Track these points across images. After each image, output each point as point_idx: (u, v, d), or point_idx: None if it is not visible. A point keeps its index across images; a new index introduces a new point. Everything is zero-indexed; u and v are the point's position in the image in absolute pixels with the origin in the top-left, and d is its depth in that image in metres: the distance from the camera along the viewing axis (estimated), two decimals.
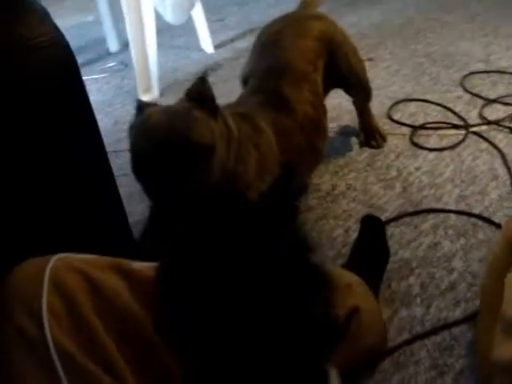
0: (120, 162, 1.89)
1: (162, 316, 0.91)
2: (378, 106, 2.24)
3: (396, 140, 2.06)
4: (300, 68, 1.72)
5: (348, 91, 1.97)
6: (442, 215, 1.66)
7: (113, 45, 3.31)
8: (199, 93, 1.31)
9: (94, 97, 2.94)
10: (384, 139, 2.06)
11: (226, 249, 0.99)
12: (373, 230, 1.48)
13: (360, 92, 1.98)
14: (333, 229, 1.67)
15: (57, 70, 1.01)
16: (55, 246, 0.98)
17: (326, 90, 1.84)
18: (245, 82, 1.80)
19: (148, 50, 2.62)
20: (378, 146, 2.03)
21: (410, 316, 1.35)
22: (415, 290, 1.42)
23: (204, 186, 1.25)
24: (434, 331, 1.30)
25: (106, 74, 3.02)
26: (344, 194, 1.82)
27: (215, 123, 1.31)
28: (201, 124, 1.27)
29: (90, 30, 3.63)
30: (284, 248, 1.00)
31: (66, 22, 3.61)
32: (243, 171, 1.42)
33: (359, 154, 2.01)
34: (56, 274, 0.87)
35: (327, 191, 1.85)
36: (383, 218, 1.67)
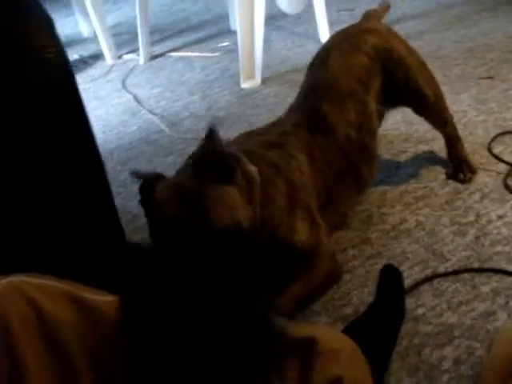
0: None
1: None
2: (480, 134, 2.03)
3: (488, 178, 1.84)
4: (346, 86, 1.60)
5: (417, 113, 1.80)
6: (509, 280, 1.46)
7: (234, 23, 3.25)
8: (208, 159, 1.22)
9: (197, 75, 2.91)
10: (473, 173, 1.84)
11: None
12: (390, 285, 1.32)
13: (431, 117, 1.80)
14: None
15: (56, 82, 0.97)
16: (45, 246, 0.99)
17: (386, 110, 1.71)
18: None
19: (255, 38, 2.53)
20: (465, 181, 1.82)
21: None
22: (447, 364, 1.25)
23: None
24: None
25: (217, 54, 2.97)
26: (410, 232, 1.65)
27: (233, 191, 1.22)
28: (218, 206, 1.19)
29: (218, 3, 3.58)
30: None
31: None
32: (271, 212, 1.35)
33: (441, 187, 1.82)
34: None
35: (393, 225, 1.69)
36: (443, 268, 1.50)
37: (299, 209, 1.40)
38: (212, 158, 1.22)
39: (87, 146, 1.15)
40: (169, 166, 2.20)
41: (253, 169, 1.31)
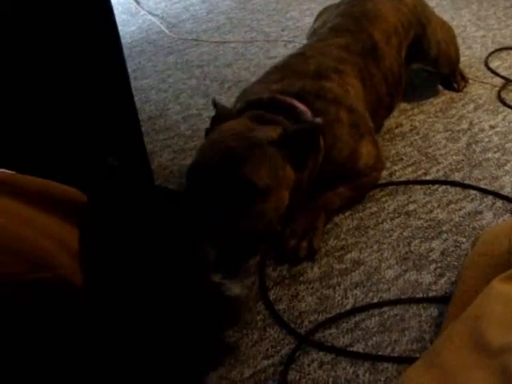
0: None
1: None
2: (478, 49, 2.07)
3: (483, 90, 1.89)
4: (393, 23, 1.63)
5: (431, 66, 1.86)
6: (496, 183, 1.53)
7: None
8: (296, 140, 1.26)
9: None
10: (466, 82, 1.91)
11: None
12: None
13: (444, 68, 1.85)
14: None
15: None
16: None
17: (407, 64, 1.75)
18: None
19: None
20: (458, 90, 1.88)
21: (418, 281, 1.27)
22: (434, 255, 1.33)
23: (250, 229, 1.22)
24: (435, 301, 1.23)
25: None
26: (404, 135, 1.71)
27: (287, 167, 1.26)
28: (264, 164, 1.21)
29: None
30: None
31: None
32: (338, 148, 1.39)
33: (437, 97, 1.87)
34: None
35: (389, 128, 1.74)
36: (435, 170, 1.56)
37: (363, 136, 1.44)
38: (298, 143, 1.26)
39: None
40: (170, 65, 2.21)
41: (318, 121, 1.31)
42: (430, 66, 1.86)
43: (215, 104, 1.39)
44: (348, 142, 1.40)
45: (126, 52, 2.38)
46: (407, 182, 1.53)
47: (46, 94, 1.15)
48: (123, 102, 1.33)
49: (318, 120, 1.27)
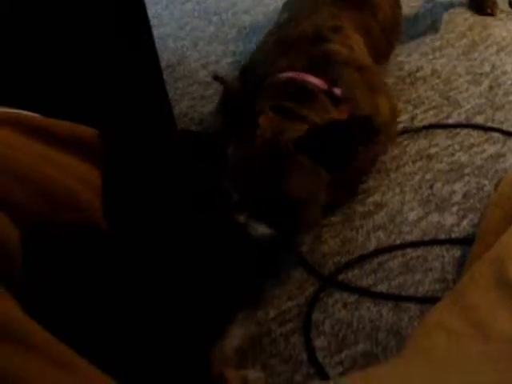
0: None
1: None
2: None
3: (506, 33, 1.85)
4: None
5: None
6: None
7: None
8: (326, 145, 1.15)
9: None
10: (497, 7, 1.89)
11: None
12: None
13: None
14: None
15: None
16: None
17: None
18: None
19: None
20: (492, 13, 1.87)
21: (440, 223, 1.28)
22: (456, 197, 1.33)
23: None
24: (457, 242, 1.23)
25: None
26: (425, 78, 1.69)
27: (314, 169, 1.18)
28: (296, 175, 1.15)
29: None
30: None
31: None
32: (358, 109, 1.32)
33: (458, 39, 1.83)
34: None
35: (409, 72, 1.72)
36: (457, 114, 1.55)
37: (378, 91, 1.40)
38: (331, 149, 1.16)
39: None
40: (187, 12, 2.19)
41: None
42: None
43: (221, 81, 1.28)
44: (366, 103, 1.36)
45: None
46: (429, 127, 1.52)
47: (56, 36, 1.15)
48: (144, 49, 1.32)
49: (338, 91, 1.26)
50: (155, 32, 2.06)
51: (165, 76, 1.83)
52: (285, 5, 1.69)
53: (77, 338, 0.57)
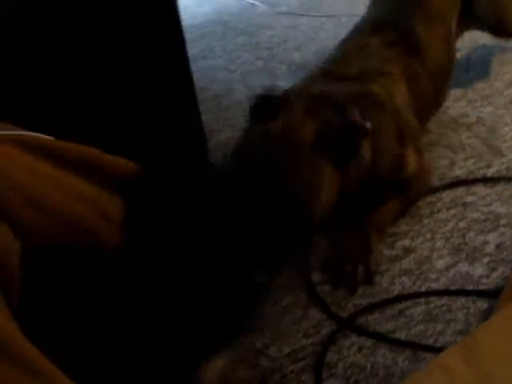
0: None
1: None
2: None
3: None
4: (435, 6, 1.54)
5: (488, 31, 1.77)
6: None
7: None
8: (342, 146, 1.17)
9: None
10: None
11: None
12: None
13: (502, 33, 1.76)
14: (439, 157, 1.56)
15: None
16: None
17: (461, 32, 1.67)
18: None
19: None
20: None
21: (469, 273, 1.24)
22: (489, 248, 1.30)
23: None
24: (485, 294, 1.20)
25: None
26: (469, 125, 1.67)
27: (331, 170, 1.18)
28: (310, 176, 1.15)
29: None
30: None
31: None
32: (383, 157, 1.30)
33: (506, 87, 1.81)
34: None
35: (454, 117, 1.70)
36: (498, 163, 1.51)
37: (409, 143, 1.37)
38: (344, 149, 1.19)
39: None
40: (239, 46, 2.23)
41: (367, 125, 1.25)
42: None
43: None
44: (393, 149, 1.34)
45: (196, 32, 2.42)
46: (464, 182, 1.47)
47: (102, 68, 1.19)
48: (183, 83, 1.35)
49: (368, 124, 1.23)
50: (206, 63, 2.12)
51: (211, 106, 1.87)
52: (339, 43, 1.67)
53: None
